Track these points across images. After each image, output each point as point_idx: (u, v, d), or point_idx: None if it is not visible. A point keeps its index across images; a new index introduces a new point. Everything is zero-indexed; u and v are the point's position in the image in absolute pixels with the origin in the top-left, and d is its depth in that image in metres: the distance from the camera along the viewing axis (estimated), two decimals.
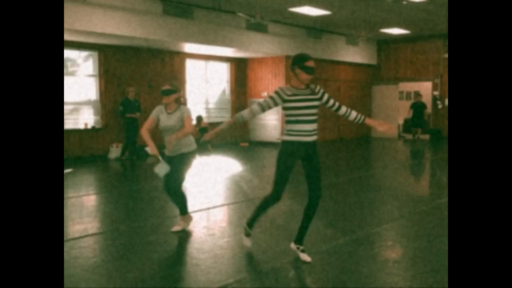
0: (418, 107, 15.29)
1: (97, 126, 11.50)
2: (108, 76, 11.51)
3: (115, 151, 11.25)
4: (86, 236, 4.87)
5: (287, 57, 14.20)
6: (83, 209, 6.31)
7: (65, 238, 4.88)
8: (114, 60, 11.63)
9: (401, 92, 18.59)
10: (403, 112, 17.59)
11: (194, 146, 4.93)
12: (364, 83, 17.58)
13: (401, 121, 17.74)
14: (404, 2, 10.38)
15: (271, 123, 14.67)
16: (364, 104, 17.61)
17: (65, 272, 3.85)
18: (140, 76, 12.18)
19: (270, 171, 10.49)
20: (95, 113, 11.56)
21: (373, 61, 17.34)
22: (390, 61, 17.27)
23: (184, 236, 5.10)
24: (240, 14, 11.35)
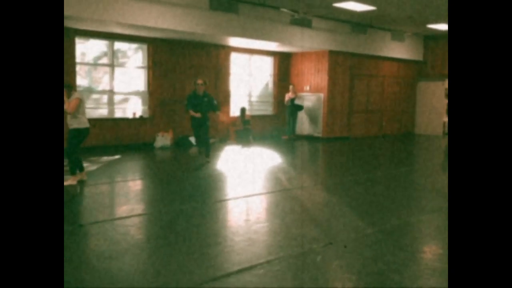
0: None
1: (145, 116, 12.05)
2: (156, 68, 12.03)
3: (161, 140, 11.77)
4: (132, 216, 5.28)
5: (331, 52, 14.27)
6: (130, 192, 6.77)
7: (113, 217, 5.33)
8: (162, 53, 12.12)
9: (448, 89, 18.23)
10: None
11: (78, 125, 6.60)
12: (409, 79, 17.36)
13: (446, 119, 17.42)
14: None
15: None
16: (408, 101, 17.40)
17: (111, 247, 4.26)
18: (187, 68, 12.63)
19: (307, 163, 10.69)
20: (143, 103, 12.13)
21: (419, 57, 17.08)
22: (437, 57, 16.94)
23: (222, 221, 5.45)
24: (284, 9, 11.54)
